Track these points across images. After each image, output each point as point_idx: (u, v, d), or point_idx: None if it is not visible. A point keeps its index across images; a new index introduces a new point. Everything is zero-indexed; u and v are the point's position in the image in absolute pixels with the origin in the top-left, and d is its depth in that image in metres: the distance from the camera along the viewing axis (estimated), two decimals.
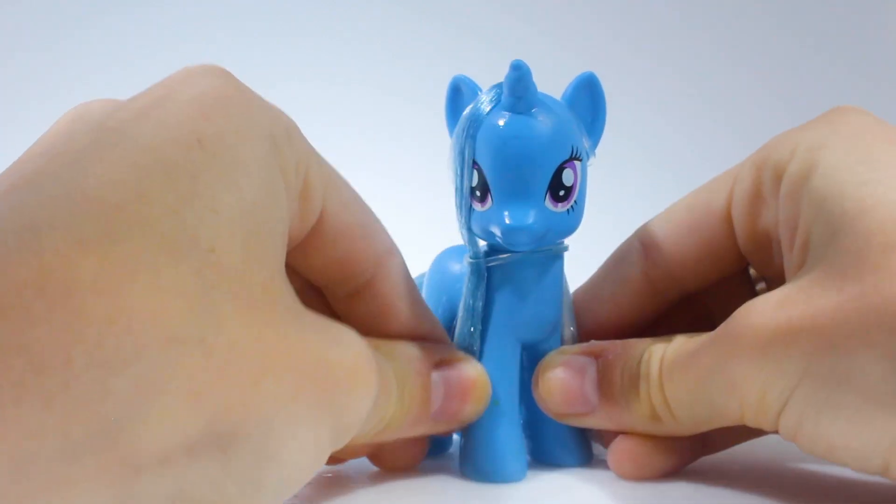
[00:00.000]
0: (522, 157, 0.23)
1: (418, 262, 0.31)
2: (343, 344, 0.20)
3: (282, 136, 0.20)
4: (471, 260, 0.26)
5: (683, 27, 0.64)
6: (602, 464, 0.27)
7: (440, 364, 0.25)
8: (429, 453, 0.27)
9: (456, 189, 0.25)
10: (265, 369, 0.17)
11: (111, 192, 0.15)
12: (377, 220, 0.24)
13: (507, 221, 0.23)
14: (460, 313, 0.26)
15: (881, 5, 0.64)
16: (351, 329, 0.21)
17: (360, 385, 0.20)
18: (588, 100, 0.25)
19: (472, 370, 0.25)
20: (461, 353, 0.26)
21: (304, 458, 0.18)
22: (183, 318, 0.15)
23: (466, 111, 0.25)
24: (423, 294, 0.29)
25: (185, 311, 0.15)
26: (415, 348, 0.24)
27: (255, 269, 0.17)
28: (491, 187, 0.24)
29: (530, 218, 0.23)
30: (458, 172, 0.25)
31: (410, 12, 0.62)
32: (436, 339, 0.26)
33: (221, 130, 0.18)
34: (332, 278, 0.24)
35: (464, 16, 0.62)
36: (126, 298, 0.14)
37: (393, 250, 0.25)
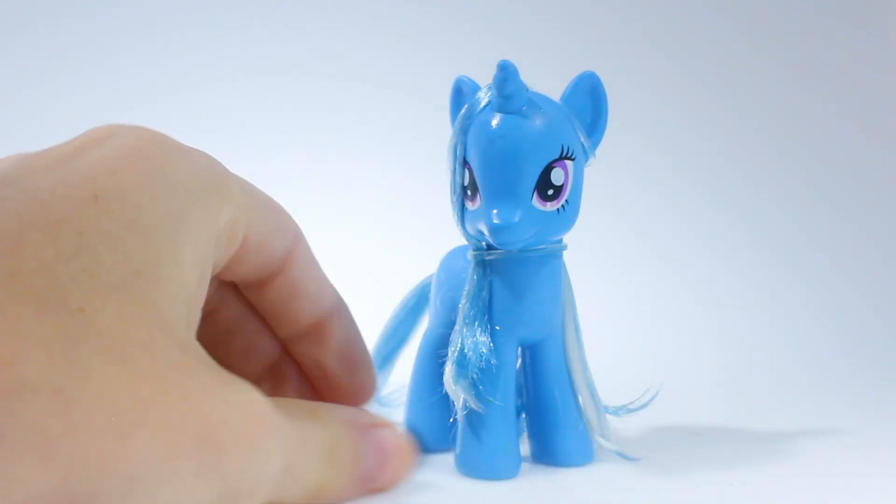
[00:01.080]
0: (508, 156, 0.23)
1: (428, 263, 0.31)
2: (235, 404, 0.18)
3: (203, 188, 0.19)
4: (473, 253, 0.26)
5: (689, 27, 0.63)
6: (603, 463, 0.27)
7: (369, 427, 0.23)
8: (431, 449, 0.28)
9: (450, 187, 0.25)
10: (136, 423, 0.16)
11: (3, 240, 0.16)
12: (282, 210, 0.24)
13: (494, 221, 0.24)
14: (463, 303, 0.26)
15: (882, 5, 0.63)
16: (253, 388, 0.19)
17: (250, 447, 0.18)
18: (588, 99, 0.25)
19: (398, 436, 0.24)
20: (384, 419, 0.24)
21: None
22: (38, 366, 0.15)
23: (463, 110, 0.25)
24: (432, 290, 0.29)
25: (43, 359, 0.15)
26: (348, 412, 0.24)
27: (131, 329, 0.16)
28: (480, 186, 0.24)
29: (516, 217, 0.23)
30: (452, 171, 0.25)
31: (415, 12, 0.62)
32: (341, 313, 0.26)
33: (124, 187, 0.18)
34: (246, 275, 0.24)
35: (469, 15, 0.62)
36: None
37: (299, 234, 0.25)
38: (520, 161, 0.23)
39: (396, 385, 0.34)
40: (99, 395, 0.15)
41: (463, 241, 0.28)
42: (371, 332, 0.30)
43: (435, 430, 0.29)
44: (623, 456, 0.27)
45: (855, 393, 0.42)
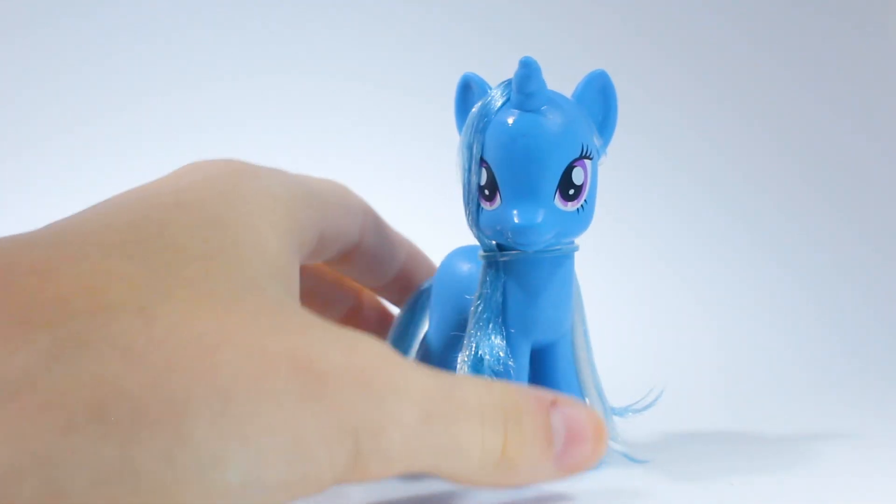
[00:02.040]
0: (531, 155, 0.23)
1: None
2: (336, 340, 0.18)
3: (274, 198, 0.22)
4: (485, 253, 0.25)
5: (689, 27, 0.63)
6: (603, 464, 0.27)
7: (556, 402, 0.21)
8: None
9: (463, 187, 0.25)
10: (222, 343, 0.16)
11: (95, 224, 0.19)
12: (348, 193, 0.27)
13: (516, 221, 0.23)
14: (476, 305, 0.25)
15: (882, 5, 0.64)
16: (368, 336, 0.19)
17: (359, 382, 0.17)
18: (599, 98, 0.25)
19: (591, 414, 0.22)
20: (569, 396, 0.23)
21: (278, 448, 0.16)
22: (122, 291, 0.16)
23: (475, 108, 0.24)
24: (433, 293, 0.29)
25: (127, 287, 0.16)
26: (525, 387, 0.22)
27: (216, 279, 0.18)
28: (500, 186, 0.24)
29: (539, 217, 0.23)
30: (466, 170, 0.25)
31: (419, 9, 0.61)
32: (417, 259, 0.31)
33: (203, 198, 0.20)
34: (328, 258, 0.28)
35: (473, 13, 0.62)
36: (63, 277, 0.16)
37: (366, 209, 0.28)
38: (543, 160, 0.23)
39: None
40: (183, 316, 0.16)
41: (461, 242, 0.28)
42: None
43: None
44: (630, 458, 0.27)
45: (855, 393, 0.42)
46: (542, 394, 0.21)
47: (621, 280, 0.57)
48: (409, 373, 0.18)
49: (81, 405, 0.14)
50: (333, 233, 0.26)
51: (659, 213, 0.60)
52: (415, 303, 0.30)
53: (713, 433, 0.33)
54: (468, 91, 0.26)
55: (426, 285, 0.30)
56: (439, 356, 0.28)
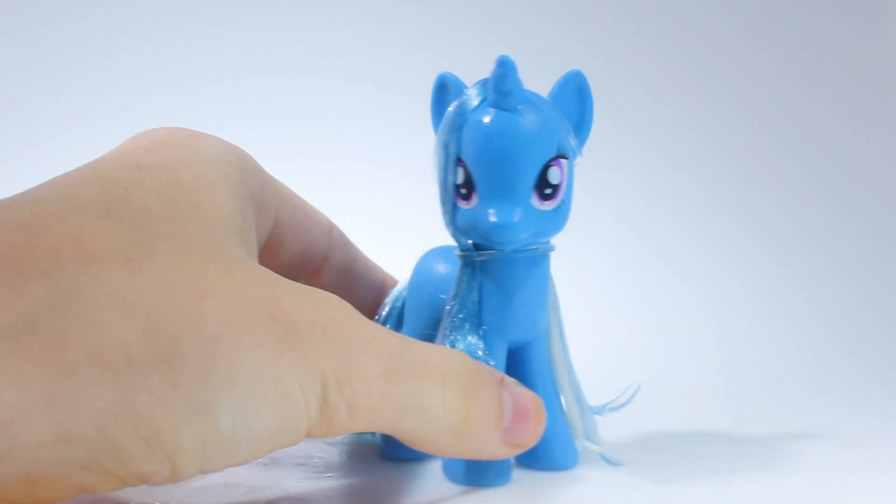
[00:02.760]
0: (508, 154, 0.23)
1: (403, 263, 0.31)
2: (303, 293, 0.19)
3: (228, 160, 0.22)
4: (461, 253, 0.25)
5: (683, 22, 0.63)
6: (602, 464, 0.27)
7: (503, 381, 0.22)
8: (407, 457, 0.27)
9: (440, 186, 0.25)
10: (206, 293, 0.17)
11: (67, 189, 0.19)
12: (312, 208, 0.28)
13: (493, 219, 0.23)
14: (451, 304, 0.25)
15: (882, 5, 0.63)
16: (329, 294, 0.20)
17: (327, 333, 0.18)
18: (575, 98, 0.25)
19: (530, 392, 0.23)
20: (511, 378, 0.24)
21: (263, 394, 0.17)
22: (107, 244, 0.17)
23: (452, 107, 0.24)
24: (407, 293, 0.29)
25: (110, 239, 0.17)
26: (481, 362, 0.23)
27: (191, 234, 0.18)
28: (476, 185, 0.24)
29: (516, 216, 0.23)
30: (443, 169, 0.24)
31: (396, 8, 0.62)
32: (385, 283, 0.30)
33: (162, 159, 0.21)
34: (294, 262, 0.27)
35: (450, 12, 0.62)
36: (50, 231, 0.16)
37: (332, 225, 0.28)
38: (520, 159, 0.23)
39: None
40: (166, 267, 0.17)
41: (440, 241, 0.28)
42: None
43: None
44: (606, 459, 0.27)
45: (855, 393, 0.42)
46: (494, 370, 0.22)
47: (621, 280, 0.57)
48: (373, 329, 0.19)
49: (81, 349, 0.15)
50: (291, 228, 0.26)
51: (658, 212, 0.60)
52: (390, 306, 0.30)
53: (711, 432, 0.33)
54: (444, 91, 0.26)
55: (400, 288, 0.30)
56: None
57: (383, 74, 0.60)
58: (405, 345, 0.20)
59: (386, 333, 0.20)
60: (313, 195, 0.29)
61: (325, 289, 0.28)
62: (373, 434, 0.31)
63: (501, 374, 0.22)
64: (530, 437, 0.22)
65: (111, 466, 0.15)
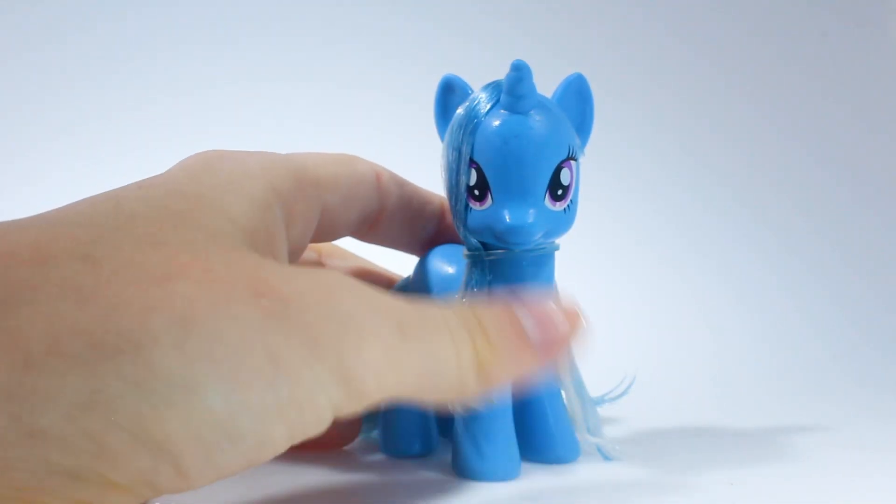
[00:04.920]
0: (524, 157, 0.23)
1: (403, 263, 0.31)
2: (290, 270, 0.18)
3: (251, 174, 0.22)
4: (470, 253, 0.26)
5: (674, 27, 0.64)
6: (602, 463, 0.27)
7: (518, 301, 0.21)
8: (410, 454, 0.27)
9: (451, 187, 0.25)
10: (175, 276, 0.16)
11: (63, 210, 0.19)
12: (353, 168, 0.27)
13: (508, 220, 0.23)
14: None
15: (881, 5, 0.64)
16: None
17: (322, 301, 0.17)
18: (577, 100, 0.25)
19: (556, 303, 0.22)
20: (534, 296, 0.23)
21: (253, 366, 0.16)
22: (65, 244, 0.16)
23: (462, 109, 0.25)
24: (411, 289, 0.29)
25: (70, 241, 0.16)
26: (479, 301, 0.22)
27: (170, 233, 0.18)
28: (491, 186, 0.24)
29: (531, 217, 0.24)
30: (454, 170, 0.25)
31: (399, 11, 0.62)
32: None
33: (166, 180, 0.20)
34: (357, 226, 0.28)
35: (453, 15, 0.62)
36: (7, 237, 0.16)
37: (379, 173, 0.27)
38: (535, 161, 0.24)
39: None
40: (127, 260, 0.16)
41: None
42: None
43: (414, 434, 0.29)
44: (602, 453, 0.28)
45: (854, 393, 0.43)
46: (501, 300, 0.21)
47: (621, 279, 0.57)
48: (376, 292, 0.19)
49: (36, 342, 0.14)
50: (341, 203, 0.26)
51: (657, 211, 0.60)
52: None
53: (711, 432, 0.33)
54: (450, 93, 0.26)
55: (400, 287, 0.30)
56: None
57: (383, 75, 0.60)
58: (408, 303, 0.19)
59: (388, 295, 0.19)
60: None
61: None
62: (373, 431, 0.32)
63: (516, 297, 0.21)
64: (564, 337, 0.21)
65: (102, 470, 0.14)
